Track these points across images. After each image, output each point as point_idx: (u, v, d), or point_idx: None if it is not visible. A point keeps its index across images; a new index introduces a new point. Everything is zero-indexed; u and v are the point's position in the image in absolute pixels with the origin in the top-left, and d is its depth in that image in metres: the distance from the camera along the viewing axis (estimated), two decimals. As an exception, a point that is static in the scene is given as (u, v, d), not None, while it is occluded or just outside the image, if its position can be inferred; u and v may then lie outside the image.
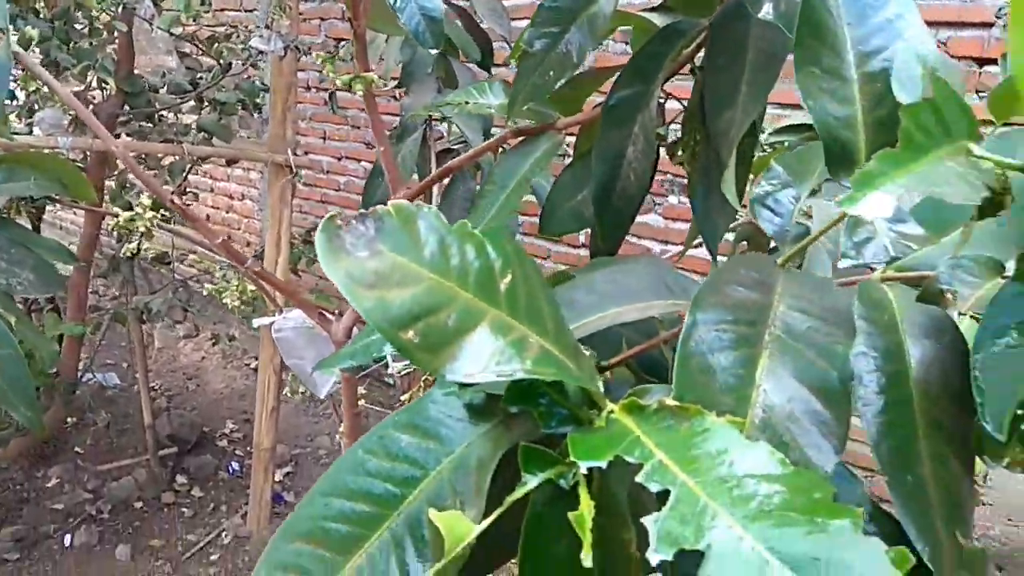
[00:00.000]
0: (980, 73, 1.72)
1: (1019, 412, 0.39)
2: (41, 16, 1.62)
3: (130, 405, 2.90)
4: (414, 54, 1.39)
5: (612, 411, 0.39)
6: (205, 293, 1.57)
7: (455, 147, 1.48)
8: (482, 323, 0.36)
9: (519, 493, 0.38)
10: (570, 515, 0.32)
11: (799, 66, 0.40)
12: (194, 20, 2.10)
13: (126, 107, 1.83)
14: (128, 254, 1.57)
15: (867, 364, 0.43)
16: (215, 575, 2.16)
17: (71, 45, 1.63)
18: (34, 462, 2.50)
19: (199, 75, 2.20)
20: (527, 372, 0.36)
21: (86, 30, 1.67)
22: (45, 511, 2.31)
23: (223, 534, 2.32)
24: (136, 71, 1.92)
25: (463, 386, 0.44)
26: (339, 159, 3.18)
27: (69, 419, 2.68)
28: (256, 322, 1.29)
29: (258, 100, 2.27)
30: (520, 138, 0.90)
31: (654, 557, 0.30)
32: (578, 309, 0.52)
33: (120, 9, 1.64)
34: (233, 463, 2.65)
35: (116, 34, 1.76)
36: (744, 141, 0.64)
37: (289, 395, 1.57)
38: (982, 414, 0.35)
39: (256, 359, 2.43)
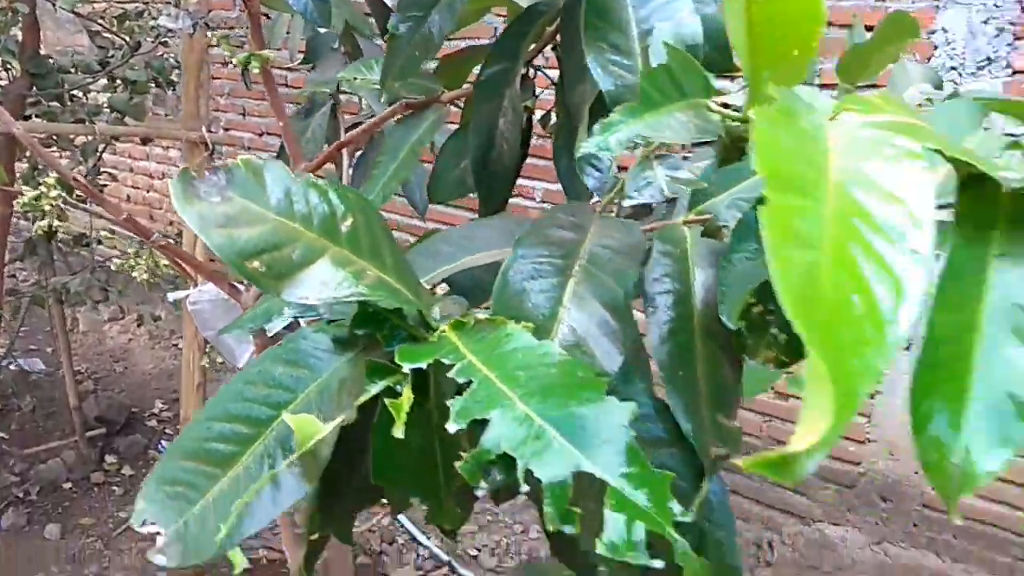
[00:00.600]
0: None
1: (757, 311, 0.48)
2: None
3: (56, 389, 2.88)
4: (318, 31, 1.43)
5: (443, 330, 0.48)
6: (122, 272, 1.59)
7: (363, 121, 1.54)
8: (323, 257, 0.44)
9: (362, 399, 0.46)
10: (387, 400, 0.40)
11: (589, 43, 0.48)
12: (103, -2, 2.09)
13: (34, 88, 1.82)
14: (40, 232, 1.59)
15: (660, 287, 0.52)
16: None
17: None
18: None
19: (110, 54, 2.19)
20: (362, 296, 0.44)
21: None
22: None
23: (155, 510, 2.35)
24: (45, 52, 1.91)
25: (330, 322, 0.52)
26: (260, 135, 3.18)
27: (-8, 406, 2.66)
28: (171, 296, 1.33)
29: (173, 78, 2.27)
30: (409, 111, 0.98)
31: (451, 427, 0.39)
32: (440, 258, 0.60)
33: (22, -12, 1.64)
34: (163, 442, 2.67)
35: (20, 15, 1.75)
36: (594, 109, 0.73)
37: (207, 366, 1.61)
38: (721, 311, 0.45)
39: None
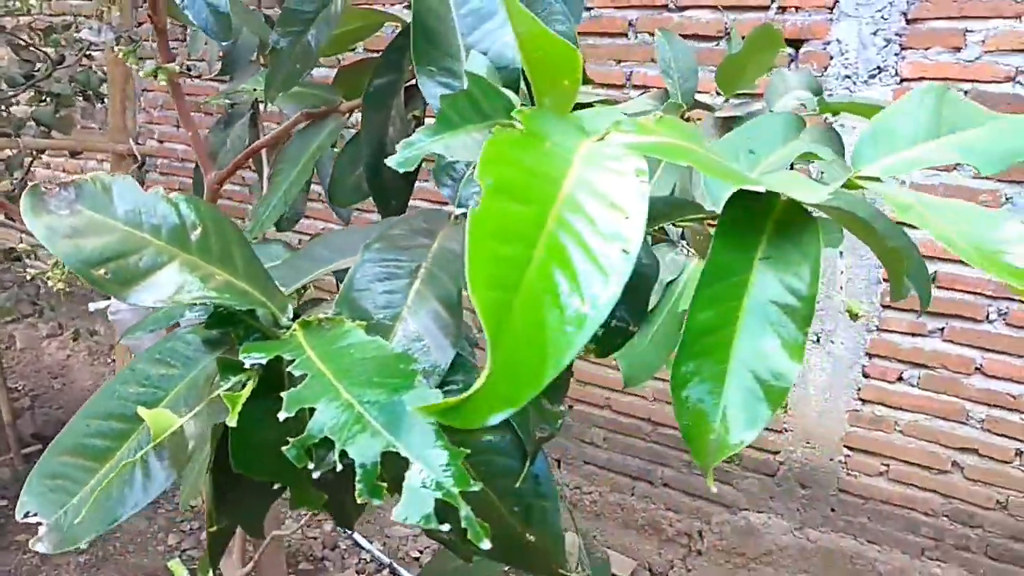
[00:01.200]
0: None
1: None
2: None
3: (-10, 407, 2.84)
4: (235, 42, 1.47)
5: (294, 329, 0.52)
6: (37, 283, 1.60)
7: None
8: (171, 264, 0.48)
9: (214, 394, 0.50)
10: (222, 393, 0.44)
11: (419, 66, 0.54)
12: (27, 12, 2.08)
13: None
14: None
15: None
16: (84, 563, 2.19)
17: None
18: None
19: (36, 67, 2.19)
20: (208, 299, 0.49)
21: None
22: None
23: (93, 523, 2.34)
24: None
25: (206, 326, 0.56)
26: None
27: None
28: (91, 306, 1.35)
29: (102, 91, 2.27)
30: (310, 120, 1.02)
31: (282, 415, 0.44)
32: (317, 261, 0.65)
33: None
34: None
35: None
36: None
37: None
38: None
39: (118, 350, 2.44)
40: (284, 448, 0.43)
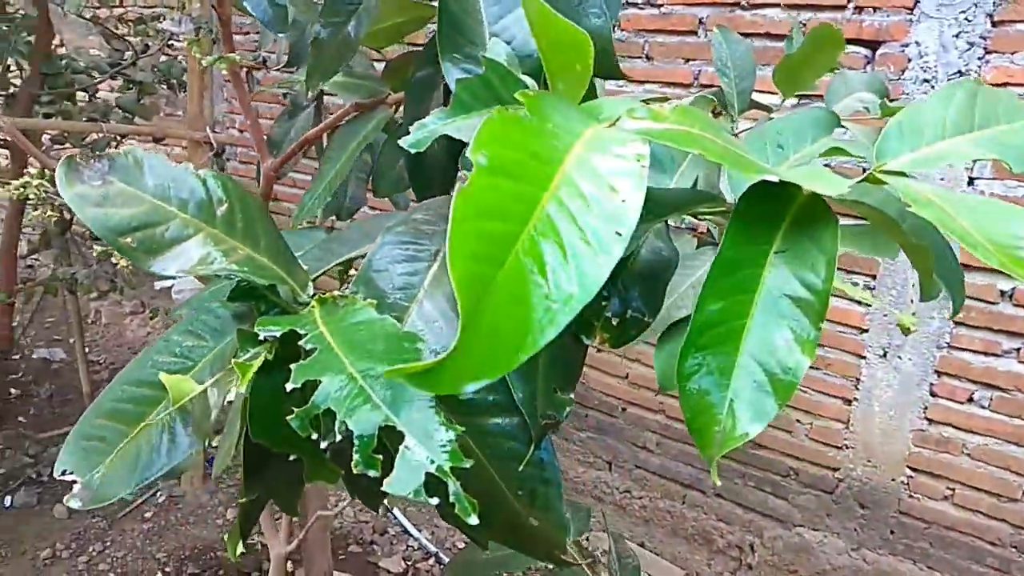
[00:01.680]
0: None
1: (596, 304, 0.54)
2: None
3: (74, 378, 2.99)
4: (301, 34, 1.51)
5: (312, 305, 0.54)
6: (119, 266, 1.68)
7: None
8: (196, 236, 0.50)
9: (235, 362, 0.52)
10: (233, 362, 0.46)
11: (443, 54, 0.54)
12: (120, 3, 2.19)
13: (46, 87, 1.93)
14: (52, 224, 1.68)
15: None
16: (148, 530, 2.29)
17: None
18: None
19: (125, 56, 2.30)
20: (229, 271, 0.50)
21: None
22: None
23: (158, 493, 2.45)
24: (59, 53, 2.02)
25: (229, 298, 0.58)
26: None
27: (12, 391, 2.78)
28: (158, 285, 1.42)
29: (184, 79, 2.37)
30: (359, 112, 1.04)
31: (289, 386, 0.45)
32: (349, 243, 0.67)
33: (34, -6, 1.75)
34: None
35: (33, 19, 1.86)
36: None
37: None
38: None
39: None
40: (289, 417, 0.45)
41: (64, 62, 2.06)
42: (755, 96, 0.98)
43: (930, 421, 1.91)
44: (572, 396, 0.54)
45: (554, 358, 0.55)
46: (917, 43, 1.74)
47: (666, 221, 0.61)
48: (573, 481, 2.55)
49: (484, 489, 0.54)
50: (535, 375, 0.54)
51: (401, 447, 0.40)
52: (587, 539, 1.72)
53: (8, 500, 2.32)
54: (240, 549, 0.85)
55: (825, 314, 0.44)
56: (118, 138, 2.27)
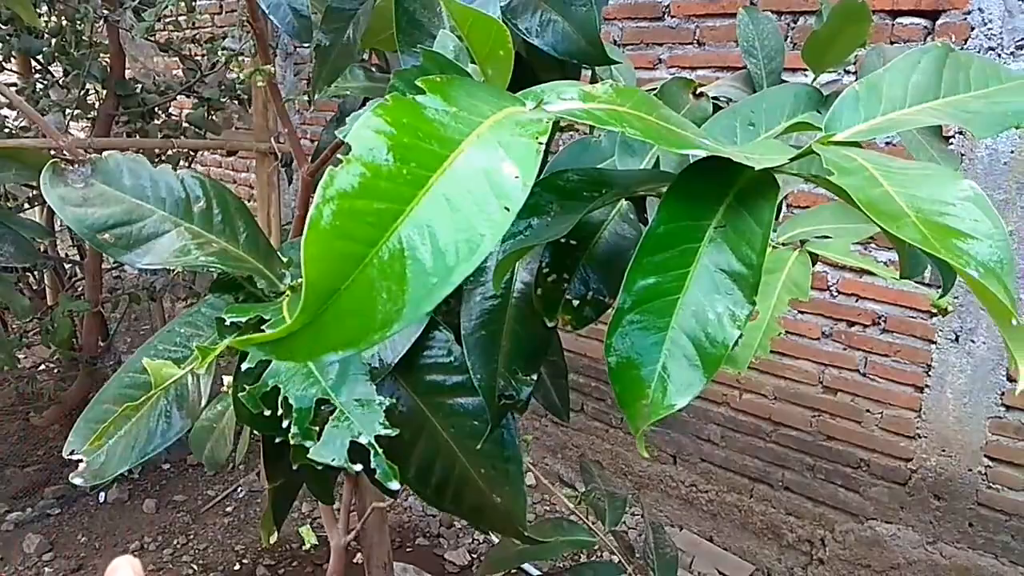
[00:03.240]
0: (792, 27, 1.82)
1: (551, 280, 0.55)
2: (33, 34, 1.86)
3: (163, 381, 3.18)
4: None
5: (286, 293, 0.57)
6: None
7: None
8: (172, 232, 0.54)
9: (211, 350, 0.55)
10: (196, 345, 0.49)
11: (401, 47, 0.56)
12: (193, 26, 2.31)
13: (120, 108, 2.06)
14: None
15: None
16: (229, 524, 2.41)
17: (64, 57, 1.86)
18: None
19: (196, 75, 2.42)
20: (204, 263, 0.54)
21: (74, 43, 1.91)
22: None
23: (239, 489, 2.57)
24: (131, 76, 2.15)
25: (210, 290, 0.62)
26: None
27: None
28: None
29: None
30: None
31: (244, 365, 0.48)
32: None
33: (103, 22, 1.87)
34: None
35: (107, 43, 1.99)
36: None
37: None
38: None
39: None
40: (240, 394, 0.48)
41: (139, 85, 2.20)
42: (788, 76, 0.96)
43: (1008, 407, 1.81)
44: (535, 377, 0.55)
45: (518, 341, 0.56)
46: (980, 10, 1.65)
47: (638, 201, 0.61)
48: (638, 475, 2.54)
49: (449, 467, 0.55)
50: (495, 357, 0.55)
51: (330, 418, 0.43)
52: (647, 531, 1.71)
53: (103, 496, 2.49)
54: (274, 537, 0.90)
55: (758, 288, 0.44)
56: (191, 153, 2.40)
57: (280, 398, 0.45)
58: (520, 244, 0.51)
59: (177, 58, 2.51)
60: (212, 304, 0.63)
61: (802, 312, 2.10)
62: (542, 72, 0.89)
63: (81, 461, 0.61)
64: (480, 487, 0.55)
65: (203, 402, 0.60)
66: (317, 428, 0.44)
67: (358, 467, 0.41)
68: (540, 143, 0.38)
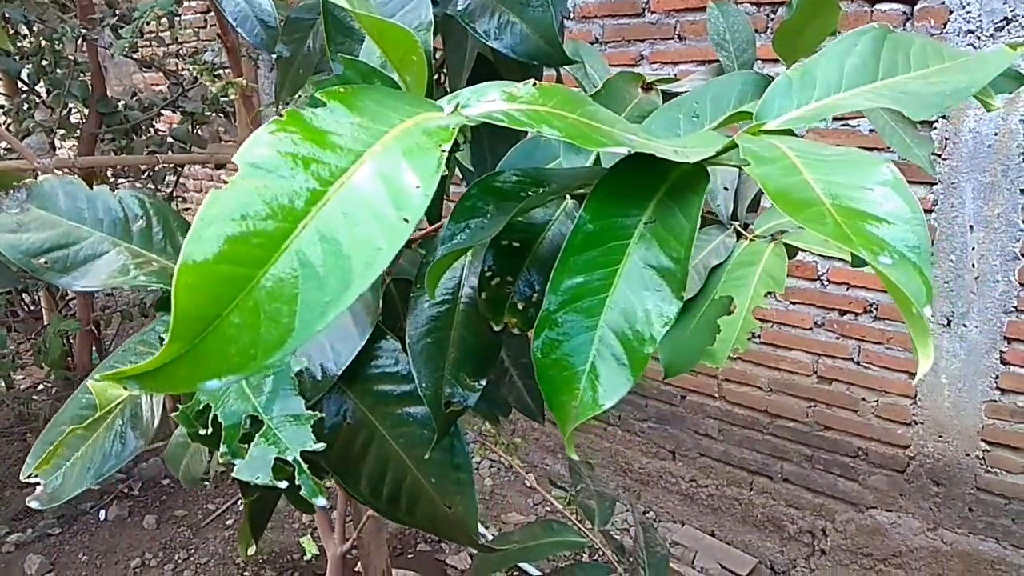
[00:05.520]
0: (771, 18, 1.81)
1: (495, 283, 0.54)
2: (10, 55, 1.86)
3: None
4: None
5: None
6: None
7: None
8: (111, 252, 0.54)
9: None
10: (132, 363, 0.49)
11: (332, 56, 0.56)
12: (175, 40, 2.31)
13: (103, 126, 2.06)
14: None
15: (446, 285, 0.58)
16: (229, 537, 2.41)
17: (46, 77, 1.86)
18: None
19: (180, 90, 2.43)
20: (143, 282, 0.54)
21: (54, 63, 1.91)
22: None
23: (239, 502, 2.57)
24: (112, 94, 2.15)
25: (155, 308, 0.62)
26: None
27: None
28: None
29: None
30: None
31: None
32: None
33: (82, 41, 1.87)
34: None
35: (88, 62, 2.00)
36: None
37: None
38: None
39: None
40: (174, 414, 0.47)
41: (122, 102, 2.20)
42: (766, 68, 0.95)
43: (1003, 391, 1.80)
44: (483, 382, 0.55)
45: (465, 347, 0.56)
46: (953, -8, 1.64)
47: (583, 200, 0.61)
48: (638, 472, 2.53)
49: (401, 477, 0.55)
50: (441, 365, 0.55)
51: (256, 435, 0.42)
52: (656, 526, 1.67)
53: (103, 513, 2.49)
54: (252, 549, 0.89)
55: (686, 283, 0.44)
56: (178, 168, 2.40)
57: (211, 415, 0.45)
58: (454, 247, 0.50)
59: (161, 74, 2.51)
60: (164, 322, 0.62)
61: (794, 303, 2.09)
62: (505, 74, 0.89)
63: (39, 484, 0.61)
64: (432, 496, 0.54)
65: (156, 422, 0.60)
66: (247, 445, 0.43)
67: (283, 484, 0.41)
68: (443, 150, 0.37)
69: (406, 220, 0.35)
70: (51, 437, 0.61)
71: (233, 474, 0.41)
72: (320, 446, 0.42)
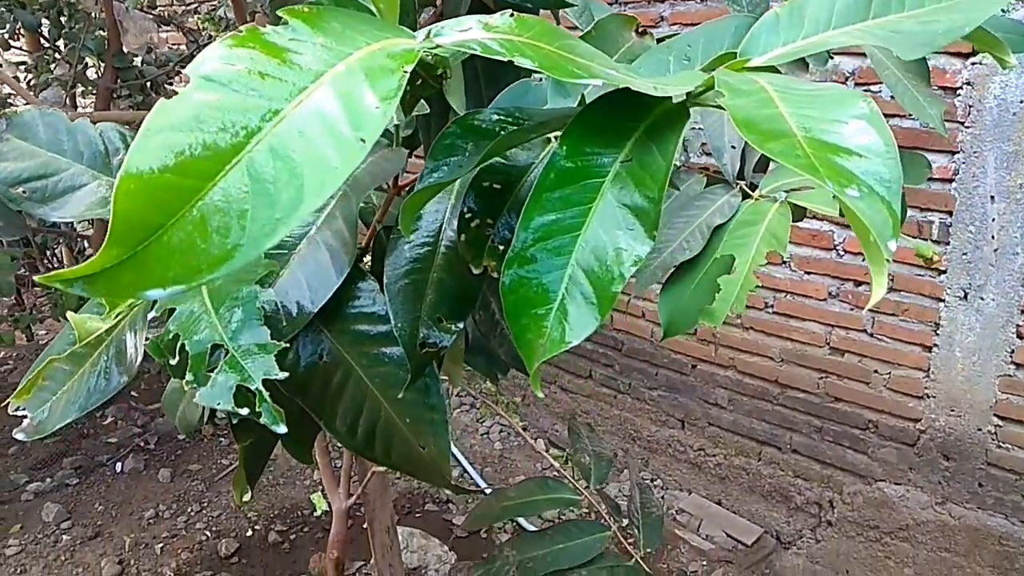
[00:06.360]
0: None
1: (475, 225, 0.54)
2: (25, 7, 1.87)
3: (180, 354, 3.22)
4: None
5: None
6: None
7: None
8: (90, 184, 0.54)
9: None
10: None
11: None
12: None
13: (119, 81, 2.07)
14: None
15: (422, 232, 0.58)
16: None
17: (62, 31, 1.87)
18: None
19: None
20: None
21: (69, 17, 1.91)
22: (101, 444, 2.66)
23: (252, 458, 2.61)
24: (130, 50, 2.15)
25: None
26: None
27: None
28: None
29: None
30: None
31: (150, 315, 0.48)
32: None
33: (97, -5, 1.87)
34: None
35: (104, 17, 2.00)
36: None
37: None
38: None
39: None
40: (144, 343, 0.47)
41: (138, 58, 2.20)
42: None
43: (1018, 366, 1.77)
44: (460, 325, 0.54)
45: (444, 290, 0.55)
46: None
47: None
48: (647, 440, 2.53)
49: (376, 417, 0.55)
50: (419, 307, 0.54)
51: (220, 364, 0.42)
52: (663, 495, 1.66)
53: (119, 466, 2.54)
54: (247, 496, 0.90)
55: (659, 223, 0.43)
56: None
57: (178, 345, 0.45)
58: (431, 184, 0.50)
59: (179, 32, 2.50)
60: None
61: (808, 272, 2.07)
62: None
63: (25, 417, 0.61)
64: (406, 436, 0.54)
65: (139, 358, 0.60)
66: (211, 374, 0.43)
67: (244, 411, 0.41)
68: (405, 71, 0.36)
69: (363, 140, 0.34)
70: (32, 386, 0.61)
71: (195, 400, 0.41)
72: (283, 375, 0.42)
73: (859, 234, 0.31)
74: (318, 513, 2.39)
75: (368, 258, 0.67)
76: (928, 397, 1.92)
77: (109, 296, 0.31)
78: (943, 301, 1.85)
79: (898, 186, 0.34)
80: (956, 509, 1.92)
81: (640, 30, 0.67)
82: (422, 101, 0.60)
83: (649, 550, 1.14)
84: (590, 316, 0.41)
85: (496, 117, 0.52)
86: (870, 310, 1.98)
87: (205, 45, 2.30)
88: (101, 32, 2.01)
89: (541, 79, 0.69)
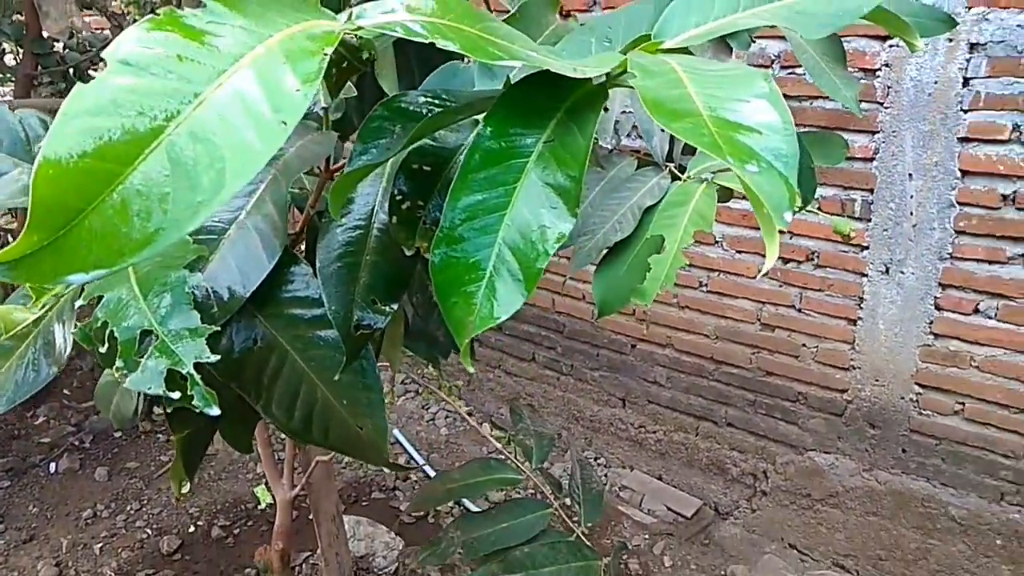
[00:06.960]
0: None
1: (406, 207, 0.54)
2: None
3: (113, 350, 3.13)
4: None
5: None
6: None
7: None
8: (12, 172, 0.52)
9: (46, 289, 0.55)
10: (29, 287, 0.48)
11: None
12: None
13: (39, 68, 1.99)
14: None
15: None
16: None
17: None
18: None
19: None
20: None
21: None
22: (33, 444, 2.57)
23: (192, 453, 2.56)
24: (51, 34, 2.07)
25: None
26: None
27: (58, 366, 2.92)
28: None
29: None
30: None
31: (78, 302, 0.47)
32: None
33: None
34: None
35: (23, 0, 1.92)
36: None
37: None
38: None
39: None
40: (73, 332, 0.47)
41: (60, 43, 2.12)
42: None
43: (936, 336, 1.86)
44: (395, 307, 0.55)
45: (377, 272, 0.56)
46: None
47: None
48: (589, 419, 2.58)
49: (313, 400, 0.56)
50: (352, 290, 0.55)
51: (150, 349, 0.42)
52: (607, 472, 1.69)
53: (53, 466, 2.47)
54: (186, 488, 0.89)
55: (580, 201, 0.44)
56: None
57: (107, 332, 0.45)
58: (359, 166, 0.50)
59: (103, 15, 2.42)
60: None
61: (740, 252, 2.13)
62: None
63: (-52, 412, 0.60)
64: (343, 418, 0.55)
65: (68, 349, 0.59)
66: (141, 360, 0.43)
67: (176, 395, 0.41)
68: (326, 54, 0.37)
69: (284, 123, 0.35)
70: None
71: (125, 385, 0.41)
72: (215, 358, 0.42)
73: (754, 206, 0.33)
74: (262, 506, 2.37)
75: (303, 244, 0.68)
76: (854, 368, 2.01)
77: (31, 281, 0.31)
78: (866, 276, 1.93)
79: (795, 161, 0.36)
80: (882, 475, 2.02)
81: (564, 12, 0.69)
82: (350, 84, 0.60)
83: (590, 524, 1.18)
84: (517, 292, 0.43)
85: (423, 99, 0.53)
86: (796, 286, 2.05)
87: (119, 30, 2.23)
88: (19, 16, 1.93)
89: (470, 62, 0.70)
